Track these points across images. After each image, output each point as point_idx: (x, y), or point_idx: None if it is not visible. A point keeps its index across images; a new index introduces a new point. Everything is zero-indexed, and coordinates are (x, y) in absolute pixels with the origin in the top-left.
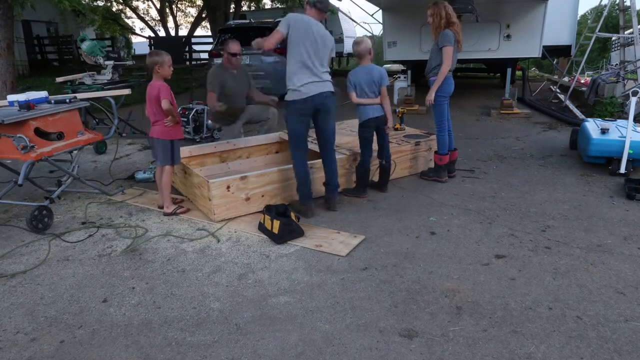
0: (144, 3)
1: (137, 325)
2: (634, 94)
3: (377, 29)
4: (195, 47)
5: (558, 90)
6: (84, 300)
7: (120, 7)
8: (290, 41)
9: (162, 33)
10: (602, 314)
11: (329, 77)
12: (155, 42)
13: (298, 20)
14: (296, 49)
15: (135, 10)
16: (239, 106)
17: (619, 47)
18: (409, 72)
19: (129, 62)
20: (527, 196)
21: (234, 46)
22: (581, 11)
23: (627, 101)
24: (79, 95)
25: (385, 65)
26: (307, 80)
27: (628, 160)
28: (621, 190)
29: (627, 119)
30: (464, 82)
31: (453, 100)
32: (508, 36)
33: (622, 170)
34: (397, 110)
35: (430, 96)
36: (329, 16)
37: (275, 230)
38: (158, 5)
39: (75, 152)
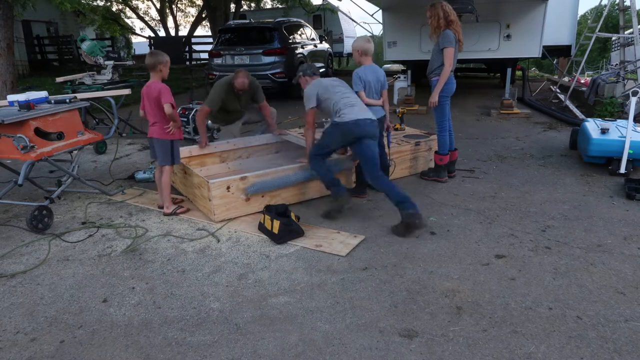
0: (143, 3)
1: (137, 325)
2: (634, 94)
3: (377, 29)
4: (195, 47)
5: (558, 90)
6: (84, 300)
7: (120, 7)
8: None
9: (162, 33)
10: (602, 314)
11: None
12: (155, 42)
13: (318, 85)
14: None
15: (135, 10)
16: (237, 117)
17: (619, 47)
18: (409, 72)
19: (129, 62)
20: (527, 196)
21: (240, 82)
22: (581, 11)
23: (627, 101)
24: (79, 95)
25: (385, 65)
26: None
27: (628, 160)
28: (621, 190)
29: (627, 119)
30: (464, 82)
31: (453, 100)
32: (508, 36)
33: (622, 170)
34: (397, 110)
35: (434, 98)
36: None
37: (275, 230)
38: (158, 5)
39: (75, 152)
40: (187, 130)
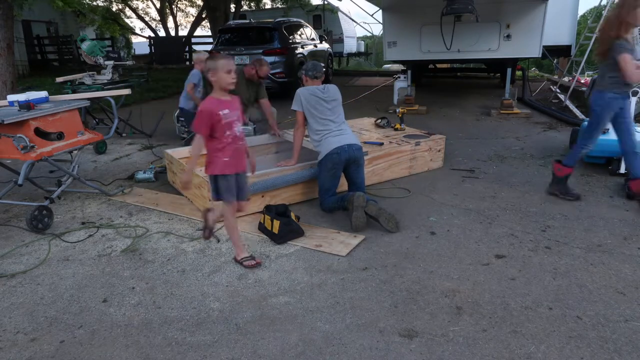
0: (143, 3)
1: (137, 325)
2: (634, 94)
3: (377, 29)
4: (195, 47)
5: (558, 90)
6: (84, 300)
7: (120, 7)
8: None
9: (162, 33)
10: (602, 314)
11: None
12: (155, 42)
13: (306, 97)
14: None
15: (135, 10)
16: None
17: None
18: (409, 72)
19: (129, 62)
20: (527, 196)
21: (265, 70)
22: (581, 11)
23: None
24: (79, 95)
25: (385, 65)
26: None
27: None
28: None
29: None
30: (464, 82)
31: (453, 100)
32: (508, 36)
33: (622, 170)
34: (397, 110)
35: None
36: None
37: (275, 230)
38: (158, 5)
39: (75, 152)
40: (187, 130)
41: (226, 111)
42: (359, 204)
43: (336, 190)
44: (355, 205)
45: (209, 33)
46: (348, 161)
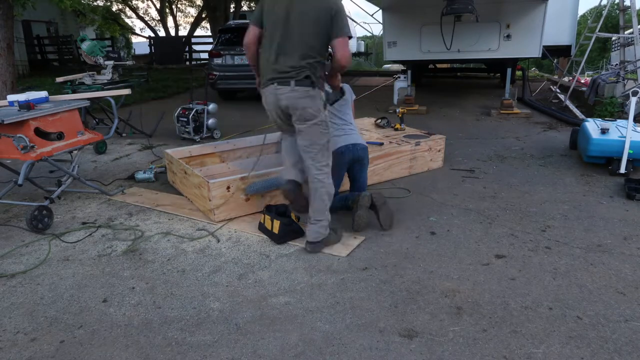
0: (143, 3)
1: (137, 325)
2: (634, 94)
3: (377, 29)
4: (195, 47)
5: (558, 90)
6: (84, 300)
7: (120, 7)
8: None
9: (162, 33)
10: (602, 314)
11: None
12: (155, 42)
13: None
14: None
15: (135, 10)
16: None
17: (619, 47)
18: (409, 72)
19: (129, 62)
20: (527, 196)
21: None
22: (581, 11)
23: (627, 101)
24: (79, 95)
25: (385, 65)
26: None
27: (628, 160)
28: (621, 190)
29: (627, 119)
30: (464, 82)
31: (453, 100)
32: (508, 36)
33: (622, 170)
34: (397, 110)
35: None
36: None
37: (276, 230)
38: (158, 5)
39: (75, 152)
40: (187, 130)
41: None
42: (364, 203)
43: (339, 190)
44: (360, 204)
45: (209, 33)
46: (352, 160)
